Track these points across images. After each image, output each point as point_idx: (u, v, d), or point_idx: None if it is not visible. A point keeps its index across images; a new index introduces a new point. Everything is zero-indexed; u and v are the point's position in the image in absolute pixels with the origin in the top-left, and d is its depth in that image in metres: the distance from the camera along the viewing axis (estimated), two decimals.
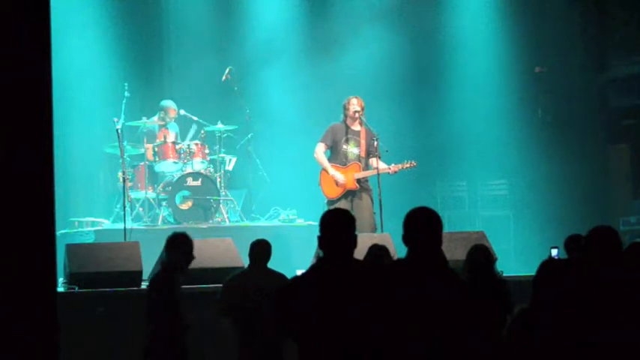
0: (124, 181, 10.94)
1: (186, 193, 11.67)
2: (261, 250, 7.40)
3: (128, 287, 8.70)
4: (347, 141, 10.58)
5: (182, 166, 11.90)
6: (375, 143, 10.55)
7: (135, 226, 10.91)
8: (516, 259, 12.37)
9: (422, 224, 4.36)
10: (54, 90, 4.47)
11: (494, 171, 13.69)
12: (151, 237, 10.43)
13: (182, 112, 12.42)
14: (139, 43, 13.10)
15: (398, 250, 8.42)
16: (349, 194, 10.48)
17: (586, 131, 13.84)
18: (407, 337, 4.22)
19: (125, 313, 8.37)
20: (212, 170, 12.08)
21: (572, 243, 7.11)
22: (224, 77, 12.59)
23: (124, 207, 10.48)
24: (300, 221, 12.20)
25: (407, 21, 13.67)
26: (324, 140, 10.61)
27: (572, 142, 13.64)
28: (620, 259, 5.09)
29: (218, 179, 12.00)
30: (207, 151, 12.04)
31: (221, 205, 11.84)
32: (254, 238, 7.54)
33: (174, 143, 11.94)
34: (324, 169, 10.55)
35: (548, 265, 4.41)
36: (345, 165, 10.54)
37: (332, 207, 10.11)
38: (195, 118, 12.40)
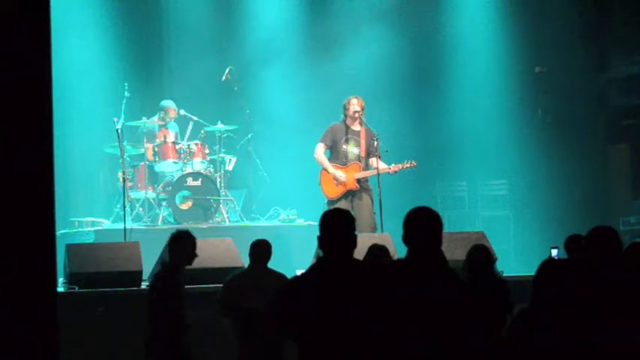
0: (124, 181, 10.94)
1: (186, 193, 11.67)
2: (261, 250, 7.40)
3: (128, 287, 8.70)
4: (347, 141, 10.58)
5: (182, 166, 11.90)
6: (375, 143, 10.55)
7: (135, 226, 10.92)
8: (516, 259, 12.37)
9: (422, 224, 4.36)
10: (54, 90, 4.47)
11: (494, 171, 13.69)
12: (151, 237, 10.43)
13: (182, 112, 12.42)
14: (139, 43, 13.10)
15: (398, 250, 8.42)
16: (349, 194, 10.48)
17: (586, 131, 13.84)
18: (407, 337, 4.22)
19: (125, 313, 8.38)
20: (212, 170, 12.08)
21: (572, 243, 7.11)
22: (224, 77, 12.59)
23: (124, 207, 10.48)
24: (300, 221, 12.20)
25: (407, 21, 13.67)
26: (324, 140, 10.61)
27: (572, 142, 13.64)
28: (620, 259, 5.09)
29: (218, 179, 12.00)
30: (207, 151, 12.04)
31: (221, 205, 11.84)
32: (254, 238, 7.54)
33: (174, 143, 11.94)
34: (325, 169, 10.55)
35: (548, 265, 4.41)
36: (345, 165, 10.54)
37: (332, 207, 10.11)
38: (195, 118, 12.40)
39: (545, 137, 13.68)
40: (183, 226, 11.38)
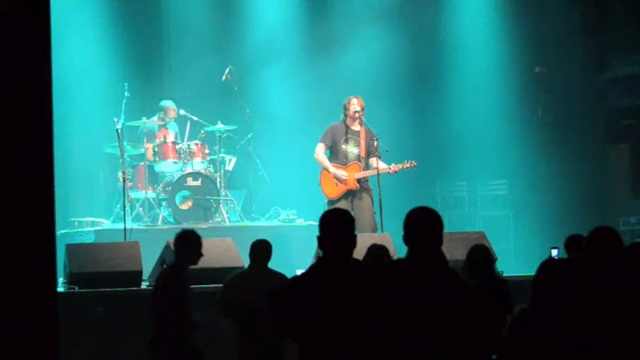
0: (124, 181, 10.95)
1: (186, 193, 11.67)
2: (261, 250, 7.40)
3: (128, 287, 8.70)
4: (346, 141, 10.58)
5: (182, 166, 11.90)
6: (375, 143, 10.55)
7: (135, 226, 10.92)
8: (516, 259, 12.37)
9: (422, 224, 4.36)
10: (54, 90, 4.47)
11: (494, 171, 13.68)
12: (151, 237, 10.44)
13: (182, 112, 12.42)
14: (139, 43, 13.10)
15: (398, 250, 8.42)
16: (349, 194, 10.48)
17: (586, 131, 13.84)
18: (407, 337, 4.22)
19: (125, 313, 8.38)
20: (212, 170, 12.08)
21: (572, 243, 7.11)
22: (224, 77, 12.59)
23: (124, 207, 10.48)
24: (300, 221, 12.19)
25: (407, 21, 13.67)
26: (324, 140, 10.61)
27: (572, 142, 13.64)
28: (620, 259, 5.09)
29: (218, 179, 12.00)
30: (207, 151, 12.04)
31: (221, 205, 11.84)
32: (254, 238, 7.54)
33: (174, 143, 11.94)
34: (326, 169, 10.55)
35: (548, 265, 4.41)
36: (345, 165, 10.54)
37: (332, 207, 10.11)
38: (195, 118, 12.40)
39: (545, 137, 13.68)
40: (183, 226, 11.38)
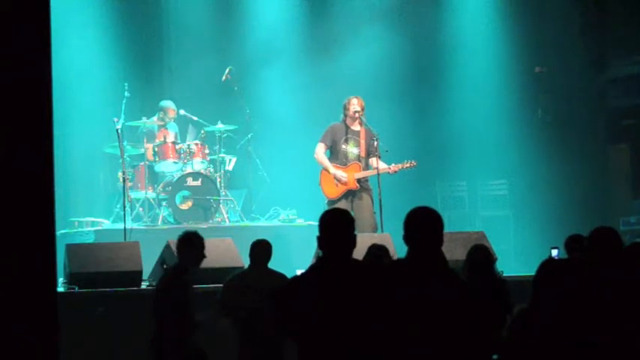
0: (124, 181, 10.95)
1: (186, 193, 11.67)
2: (261, 250, 7.39)
3: (128, 287, 8.70)
4: (346, 141, 10.58)
5: (182, 166, 11.90)
6: (375, 143, 10.55)
7: (135, 226, 10.91)
8: (516, 259, 12.36)
9: (423, 224, 4.36)
10: (54, 90, 4.47)
11: (494, 171, 13.68)
12: (151, 237, 10.44)
13: (182, 112, 12.42)
14: (139, 43, 13.10)
15: (398, 250, 8.42)
16: (349, 194, 10.48)
17: (586, 131, 13.84)
18: (407, 337, 4.22)
19: (125, 313, 8.38)
20: (212, 170, 12.08)
21: (572, 243, 7.10)
22: (224, 77, 12.59)
23: (124, 207, 10.48)
24: (300, 221, 12.19)
25: (407, 21, 13.67)
26: (324, 140, 10.61)
27: (572, 142, 13.64)
28: (620, 259, 5.09)
29: (218, 179, 12.00)
30: (207, 151, 12.04)
31: (221, 205, 11.84)
32: (254, 238, 7.54)
33: (174, 143, 11.94)
34: (326, 169, 10.55)
35: (548, 265, 4.41)
36: (345, 165, 10.54)
37: (332, 207, 10.10)
38: (195, 118, 12.40)
39: (545, 137, 13.68)
40: (183, 226, 11.39)
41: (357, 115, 10.53)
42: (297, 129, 12.54)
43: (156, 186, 11.94)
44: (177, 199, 11.64)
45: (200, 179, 11.73)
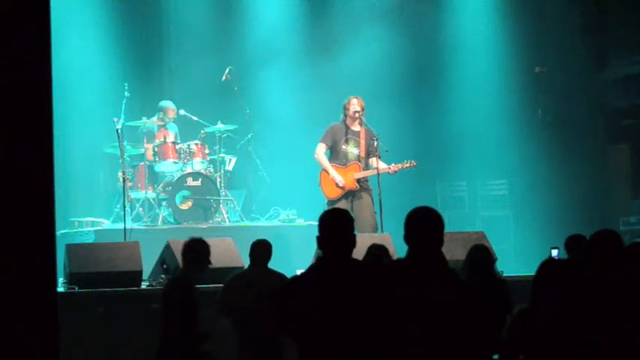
0: (124, 181, 10.94)
1: (186, 193, 11.66)
2: (261, 250, 7.39)
3: (128, 287, 8.70)
4: (347, 141, 10.58)
5: (182, 166, 11.90)
6: (375, 143, 10.55)
7: (135, 226, 10.91)
8: (516, 259, 12.36)
9: (423, 224, 4.36)
10: (54, 90, 4.47)
11: (494, 171, 13.68)
12: (151, 237, 10.44)
13: (182, 112, 12.42)
14: (139, 43, 13.10)
15: (398, 250, 8.42)
16: (349, 194, 10.48)
17: (586, 131, 13.84)
18: (407, 337, 4.22)
19: (125, 313, 8.38)
20: (212, 170, 12.08)
21: (572, 243, 7.10)
22: (224, 77, 12.59)
23: (124, 207, 10.48)
24: (300, 221, 12.19)
25: (407, 21, 13.67)
26: (325, 140, 10.61)
27: (572, 142, 13.64)
28: (620, 259, 5.09)
29: (218, 179, 12.00)
30: (207, 151, 12.03)
31: (221, 205, 11.84)
32: (254, 238, 7.54)
33: (174, 143, 11.94)
34: (325, 170, 10.55)
35: (548, 265, 4.41)
36: (345, 165, 10.54)
37: (331, 207, 10.10)
38: (195, 118, 12.41)
39: (545, 137, 13.68)
40: (183, 226, 11.39)
41: (357, 115, 10.53)
42: (297, 129, 12.54)
43: (156, 186, 11.94)
44: (177, 199, 11.64)
45: (200, 179, 11.73)
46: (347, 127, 10.59)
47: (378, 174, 10.38)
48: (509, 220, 13.61)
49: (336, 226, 4.64)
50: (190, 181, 11.70)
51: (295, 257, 10.16)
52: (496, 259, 8.25)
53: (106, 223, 11.92)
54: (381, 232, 9.99)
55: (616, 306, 4.57)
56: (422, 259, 4.32)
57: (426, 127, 13.49)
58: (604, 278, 4.78)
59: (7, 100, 4.37)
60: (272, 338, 7.04)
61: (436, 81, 13.75)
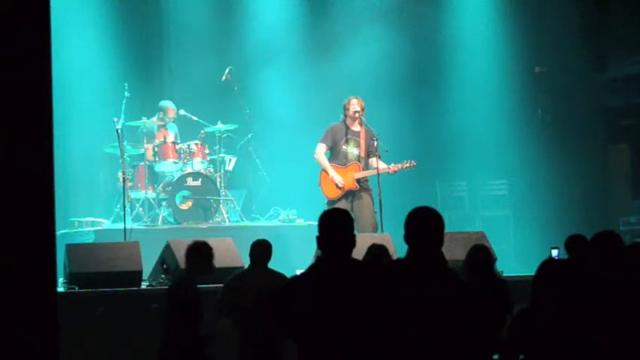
0: (124, 181, 10.94)
1: (186, 193, 11.66)
2: (261, 250, 7.39)
3: (128, 287, 8.70)
4: (347, 141, 10.58)
5: (182, 166, 11.90)
6: (375, 143, 10.55)
7: (135, 226, 10.91)
8: (516, 259, 12.36)
9: (424, 224, 4.36)
10: (54, 90, 4.47)
11: (494, 171, 13.68)
12: (151, 237, 10.44)
13: (182, 112, 12.42)
14: (139, 43, 13.09)
15: (398, 250, 8.42)
16: (349, 194, 10.48)
17: (586, 131, 13.84)
18: (407, 337, 4.22)
19: (125, 313, 8.38)
20: (212, 170, 12.08)
21: (572, 243, 7.10)
22: (224, 77, 12.59)
23: (124, 207, 10.48)
24: (300, 221, 12.19)
25: (407, 21, 13.66)
26: (325, 141, 10.61)
27: (572, 142, 13.63)
28: (620, 259, 5.09)
29: (218, 179, 12.00)
30: (207, 151, 12.03)
31: (221, 205, 11.84)
32: (254, 238, 7.54)
33: (174, 143, 11.94)
34: (325, 170, 10.55)
35: (547, 265, 4.41)
36: (344, 165, 10.54)
37: (331, 207, 10.10)
38: (195, 118, 12.41)
39: (545, 137, 13.68)
40: (183, 226, 11.40)
41: (357, 115, 10.53)
42: (297, 129, 12.54)
43: (156, 186, 11.94)
44: (177, 199, 11.64)
45: (200, 179, 11.73)
46: (347, 127, 10.59)
47: (378, 174, 10.38)
48: (509, 220, 13.61)
49: (335, 226, 4.64)
50: (190, 181, 11.70)
51: (295, 257, 10.16)
52: (496, 259, 8.25)
53: (106, 223, 11.92)
54: (381, 232, 9.99)
55: (616, 306, 4.57)
56: (422, 259, 4.32)
57: (426, 127, 13.49)
58: (604, 278, 4.78)
59: (7, 100, 4.37)
60: (272, 338, 7.04)
61: (436, 81, 13.74)
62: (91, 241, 11.06)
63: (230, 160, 12.31)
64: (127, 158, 11.59)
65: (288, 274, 6.90)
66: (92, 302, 8.43)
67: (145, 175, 11.87)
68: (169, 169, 11.95)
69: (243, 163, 12.52)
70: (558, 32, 13.71)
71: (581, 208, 13.14)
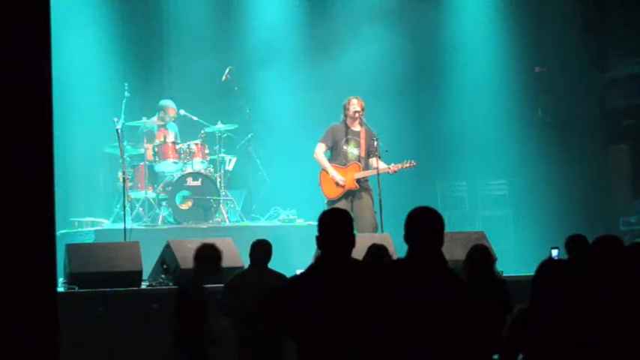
0: (124, 181, 10.94)
1: (186, 193, 11.66)
2: (261, 250, 7.40)
3: (128, 287, 8.70)
4: (347, 142, 10.58)
5: (182, 166, 11.90)
6: (375, 143, 10.55)
7: (135, 226, 10.91)
8: (516, 259, 12.36)
9: (424, 224, 4.36)
10: (54, 90, 4.47)
11: (494, 171, 13.68)
12: (151, 237, 10.44)
13: (182, 112, 12.42)
14: (139, 43, 13.10)
15: (398, 250, 8.42)
16: (349, 194, 10.48)
17: (586, 131, 13.84)
18: (407, 337, 4.22)
19: (125, 313, 8.38)
20: (212, 170, 12.07)
21: (572, 243, 7.10)
22: (224, 77, 12.59)
23: (124, 207, 10.48)
24: (300, 221, 12.19)
25: (407, 21, 13.67)
26: (325, 141, 10.61)
27: (572, 142, 13.64)
28: (620, 259, 5.09)
29: (218, 179, 12.00)
30: (207, 151, 12.03)
31: (221, 205, 11.84)
32: (254, 238, 7.54)
33: (174, 143, 11.94)
34: (325, 170, 10.55)
35: (547, 265, 4.41)
36: (344, 165, 10.54)
37: (331, 207, 10.10)
38: (195, 118, 12.41)
39: (545, 137, 13.68)
40: (183, 226, 11.40)
41: (357, 115, 10.53)
42: (297, 129, 12.54)
43: (156, 186, 11.94)
44: (177, 199, 11.64)
45: (200, 179, 11.73)
46: (347, 128, 10.59)
47: (378, 174, 10.38)
48: (509, 220, 13.62)
49: (335, 226, 4.64)
50: (190, 181, 11.70)
51: (295, 257, 10.16)
52: (496, 259, 8.25)
53: (106, 223, 11.93)
54: (381, 232, 9.99)
55: (616, 306, 4.57)
56: (422, 259, 4.32)
57: (426, 127, 13.49)
58: (604, 278, 4.78)
59: (7, 100, 4.37)
60: (272, 338, 7.04)
61: (436, 81, 13.75)
62: (91, 241, 11.06)
63: (230, 160, 12.31)
64: (127, 158, 11.59)
65: (288, 274, 6.89)
66: (92, 302, 8.43)
67: (145, 175, 11.87)
68: (169, 169, 11.95)
69: (243, 163, 12.53)
70: (558, 32, 13.72)
71: (581, 208, 13.14)
